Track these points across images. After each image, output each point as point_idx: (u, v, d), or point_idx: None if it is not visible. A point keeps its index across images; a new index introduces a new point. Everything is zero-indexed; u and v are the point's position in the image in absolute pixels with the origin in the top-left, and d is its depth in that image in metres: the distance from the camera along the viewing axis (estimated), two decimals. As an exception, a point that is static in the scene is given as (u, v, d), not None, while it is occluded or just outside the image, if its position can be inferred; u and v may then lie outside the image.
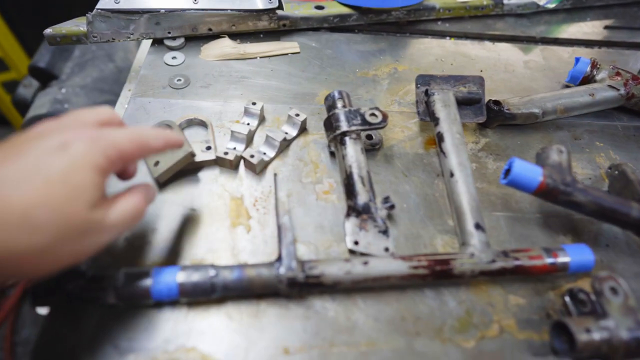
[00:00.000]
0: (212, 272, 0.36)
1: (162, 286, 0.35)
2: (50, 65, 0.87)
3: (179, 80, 0.56)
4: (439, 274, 0.39)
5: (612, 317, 0.35)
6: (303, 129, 0.55)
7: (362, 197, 0.45)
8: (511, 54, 0.67)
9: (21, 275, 0.31)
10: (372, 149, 0.52)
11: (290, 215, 0.46)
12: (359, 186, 0.46)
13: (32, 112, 0.83)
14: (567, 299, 0.40)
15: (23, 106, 0.90)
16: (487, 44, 0.69)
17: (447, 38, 0.71)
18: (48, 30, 0.55)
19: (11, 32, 1.34)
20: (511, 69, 0.65)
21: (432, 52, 0.67)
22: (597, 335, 0.34)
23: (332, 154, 0.50)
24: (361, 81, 0.60)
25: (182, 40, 0.60)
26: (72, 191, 0.26)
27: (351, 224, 0.43)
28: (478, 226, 0.42)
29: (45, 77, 0.87)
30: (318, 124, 0.56)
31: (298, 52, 0.62)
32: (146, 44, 0.70)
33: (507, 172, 0.41)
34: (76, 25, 0.57)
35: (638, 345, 0.34)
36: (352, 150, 0.47)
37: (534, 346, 0.38)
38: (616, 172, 0.50)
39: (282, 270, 0.37)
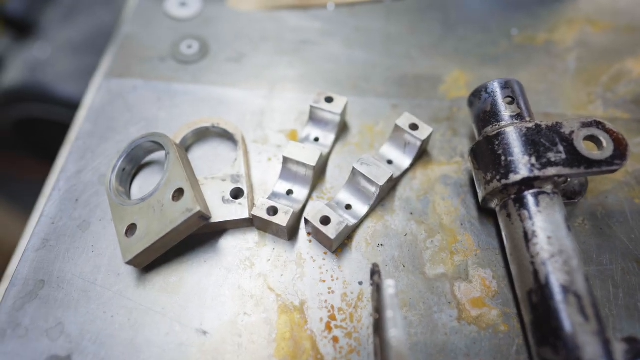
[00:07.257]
0: None
1: None
2: (27, 11, 0.61)
3: (191, 47, 0.29)
4: None
5: None
6: (422, 153, 0.28)
7: (584, 348, 0.19)
8: None
9: None
10: (567, 202, 0.24)
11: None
12: (571, 322, 0.19)
13: (3, 78, 0.58)
14: None
15: None
16: None
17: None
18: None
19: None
20: None
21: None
22: None
23: (484, 208, 0.24)
24: (524, 54, 0.33)
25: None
26: None
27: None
28: None
29: (20, 28, 0.62)
30: (447, 142, 0.29)
31: (402, -4, 0.35)
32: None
33: None
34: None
35: None
36: (547, 224, 0.21)
37: None
38: None
39: None
